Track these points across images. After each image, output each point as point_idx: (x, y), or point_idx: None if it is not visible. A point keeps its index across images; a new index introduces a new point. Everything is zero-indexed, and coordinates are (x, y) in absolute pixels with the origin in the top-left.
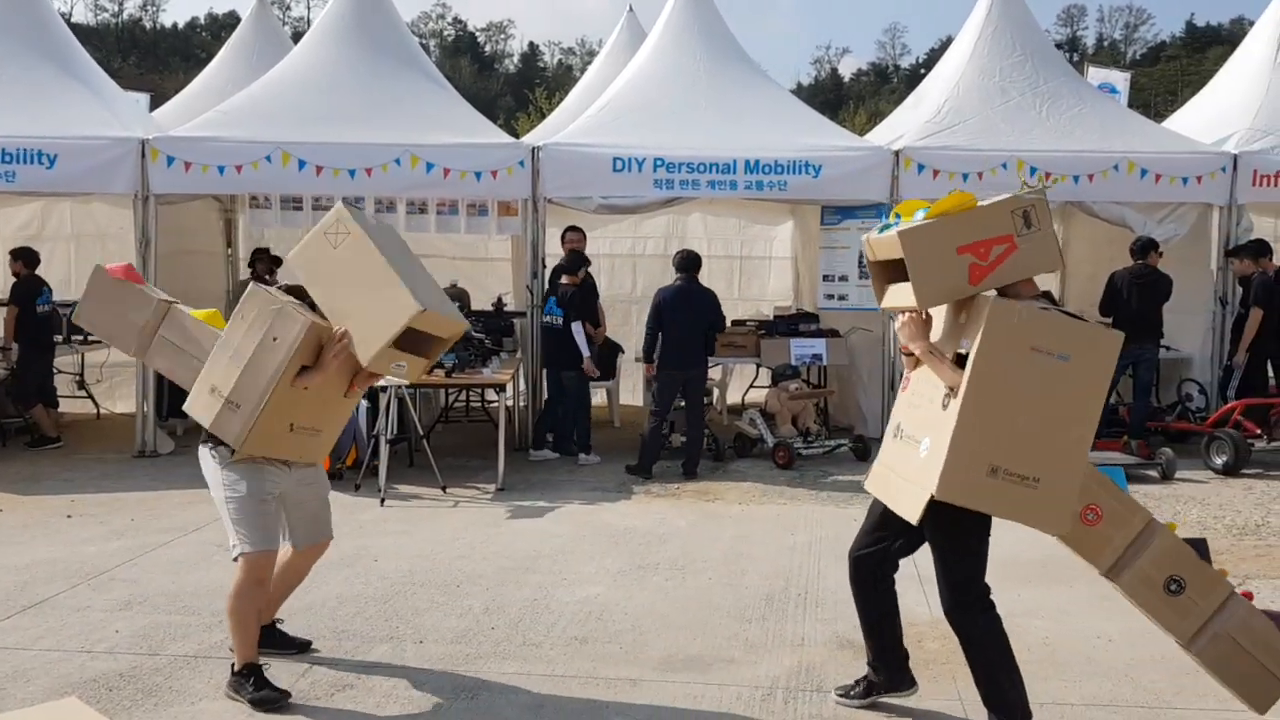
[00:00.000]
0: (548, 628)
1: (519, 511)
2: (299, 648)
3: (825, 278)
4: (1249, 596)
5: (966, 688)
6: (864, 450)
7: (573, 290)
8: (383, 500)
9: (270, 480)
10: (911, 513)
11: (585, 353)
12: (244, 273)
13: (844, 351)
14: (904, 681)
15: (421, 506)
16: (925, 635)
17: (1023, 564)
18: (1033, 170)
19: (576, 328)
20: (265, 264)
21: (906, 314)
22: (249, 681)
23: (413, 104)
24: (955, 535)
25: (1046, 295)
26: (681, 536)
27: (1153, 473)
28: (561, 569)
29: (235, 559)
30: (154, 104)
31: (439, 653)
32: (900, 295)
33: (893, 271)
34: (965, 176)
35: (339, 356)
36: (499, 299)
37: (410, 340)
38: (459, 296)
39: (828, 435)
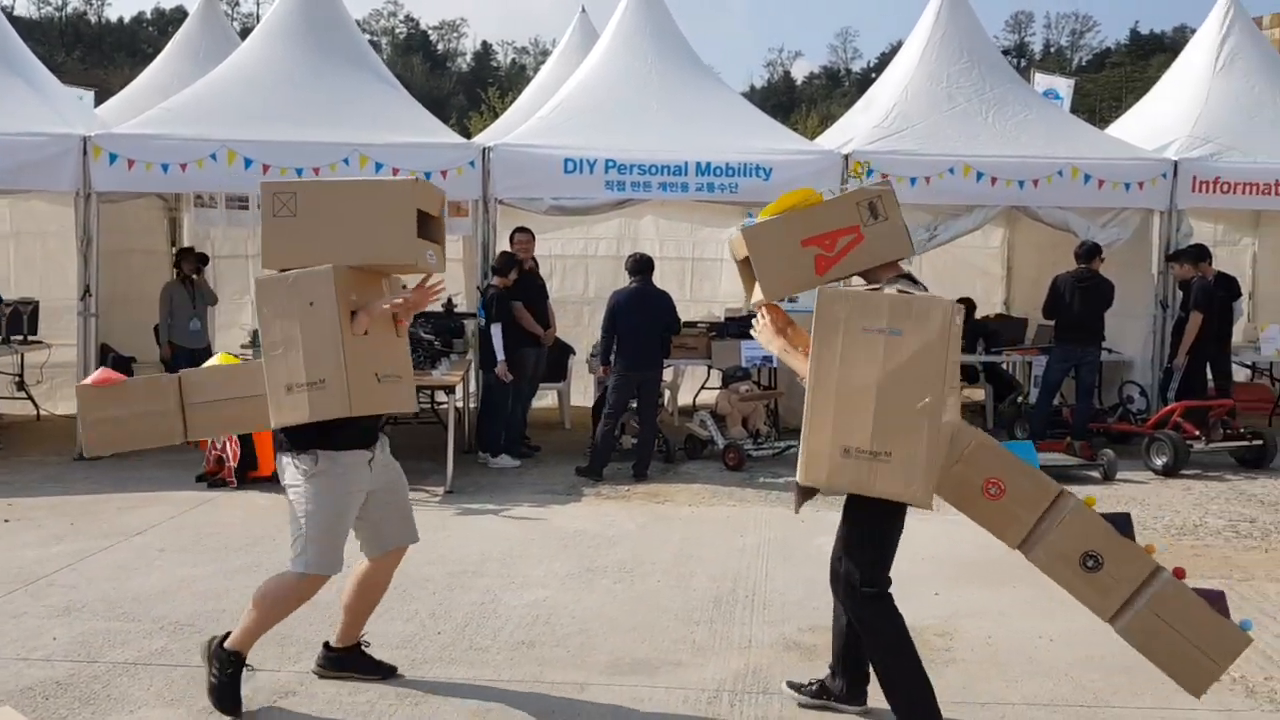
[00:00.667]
0: (494, 632)
1: (467, 514)
2: (384, 673)
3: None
4: (1180, 574)
5: None
6: None
7: (495, 292)
8: None
9: (357, 484)
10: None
11: (500, 356)
12: (173, 273)
13: None
14: (858, 697)
15: None
16: None
17: (966, 565)
18: (979, 175)
19: (495, 330)
20: (191, 263)
21: (762, 313)
22: (228, 667)
23: (362, 103)
24: (863, 520)
25: (907, 277)
26: (631, 539)
27: (1094, 473)
28: (509, 572)
29: (300, 572)
30: (99, 100)
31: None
32: (758, 291)
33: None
34: (913, 180)
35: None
36: (449, 300)
37: (421, 228)
38: None
39: (778, 437)
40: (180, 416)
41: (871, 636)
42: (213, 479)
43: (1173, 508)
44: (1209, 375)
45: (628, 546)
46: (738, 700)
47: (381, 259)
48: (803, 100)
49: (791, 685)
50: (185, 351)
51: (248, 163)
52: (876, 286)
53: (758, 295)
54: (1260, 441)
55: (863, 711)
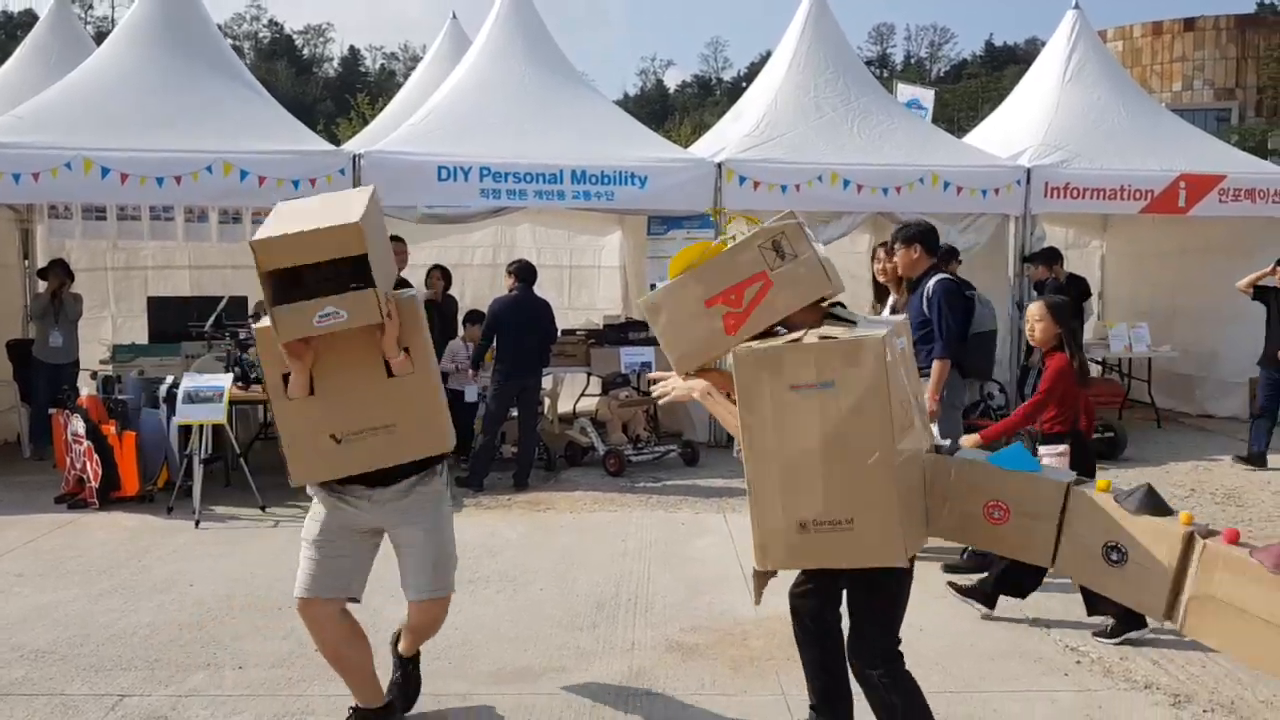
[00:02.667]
0: (375, 646)
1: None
2: None
3: (652, 286)
4: (1232, 538)
5: (790, 683)
6: (692, 455)
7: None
8: (197, 522)
9: (348, 516)
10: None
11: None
12: (40, 285)
13: None
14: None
15: (239, 527)
16: (750, 634)
17: None
18: (845, 183)
19: None
20: (59, 276)
21: (685, 381)
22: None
23: (226, 109)
24: (872, 592)
25: (831, 316)
26: (513, 548)
27: None
28: (387, 586)
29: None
30: None
31: (260, 678)
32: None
33: None
34: (784, 188)
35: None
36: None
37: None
38: None
39: (657, 441)
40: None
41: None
42: (73, 500)
43: None
44: None
45: (509, 556)
46: (622, 703)
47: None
48: (675, 108)
49: None
50: (47, 367)
51: (105, 172)
52: (798, 336)
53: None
54: (1111, 434)
55: None
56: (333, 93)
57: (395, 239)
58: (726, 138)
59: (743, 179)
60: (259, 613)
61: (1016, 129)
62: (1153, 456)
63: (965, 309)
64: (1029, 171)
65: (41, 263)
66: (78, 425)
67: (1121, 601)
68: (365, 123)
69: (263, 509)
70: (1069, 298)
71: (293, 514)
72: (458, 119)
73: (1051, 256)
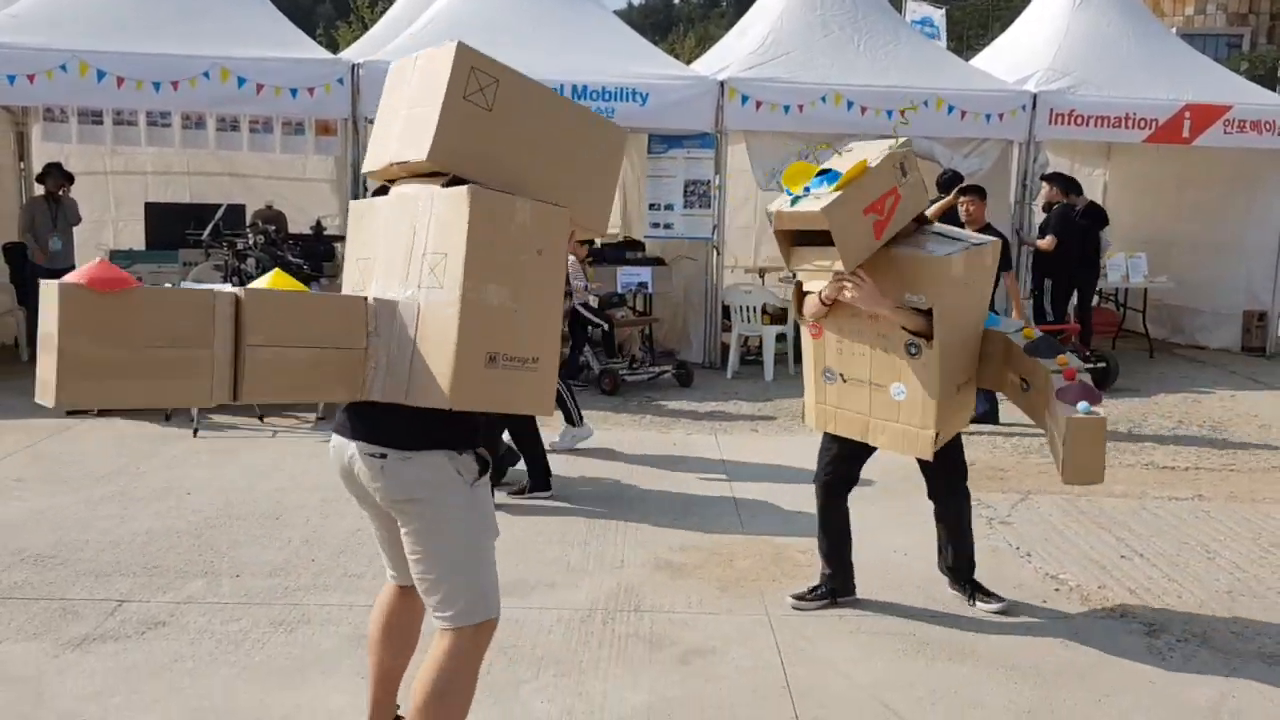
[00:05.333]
0: (370, 558)
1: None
2: None
3: (651, 206)
4: (1069, 375)
5: (774, 604)
6: (687, 376)
7: None
8: (195, 431)
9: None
10: (926, 451)
11: None
12: (37, 189)
13: (669, 279)
14: (851, 588)
15: (238, 437)
16: (737, 554)
17: None
18: (849, 104)
19: None
20: (56, 179)
21: (848, 281)
22: None
23: (223, 13)
24: (950, 451)
25: (927, 222)
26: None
27: None
28: None
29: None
30: None
31: (257, 586)
32: (815, 257)
33: (798, 237)
34: (786, 108)
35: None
36: (318, 222)
37: None
38: (274, 219)
39: (652, 362)
40: (231, 363)
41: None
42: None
43: (1021, 427)
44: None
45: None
46: (610, 618)
47: (580, 219)
48: (680, 19)
49: (795, 597)
50: (44, 272)
51: (101, 75)
52: (913, 237)
53: (808, 260)
54: (1104, 364)
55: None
56: None
57: None
58: (730, 55)
59: (745, 98)
60: (256, 522)
61: (1024, 53)
62: (1143, 387)
63: None
64: (1035, 97)
65: (37, 166)
66: None
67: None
68: (365, 28)
69: (261, 419)
70: (1077, 226)
71: (290, 424)
72: (457, 29)
73: (1070, 183)
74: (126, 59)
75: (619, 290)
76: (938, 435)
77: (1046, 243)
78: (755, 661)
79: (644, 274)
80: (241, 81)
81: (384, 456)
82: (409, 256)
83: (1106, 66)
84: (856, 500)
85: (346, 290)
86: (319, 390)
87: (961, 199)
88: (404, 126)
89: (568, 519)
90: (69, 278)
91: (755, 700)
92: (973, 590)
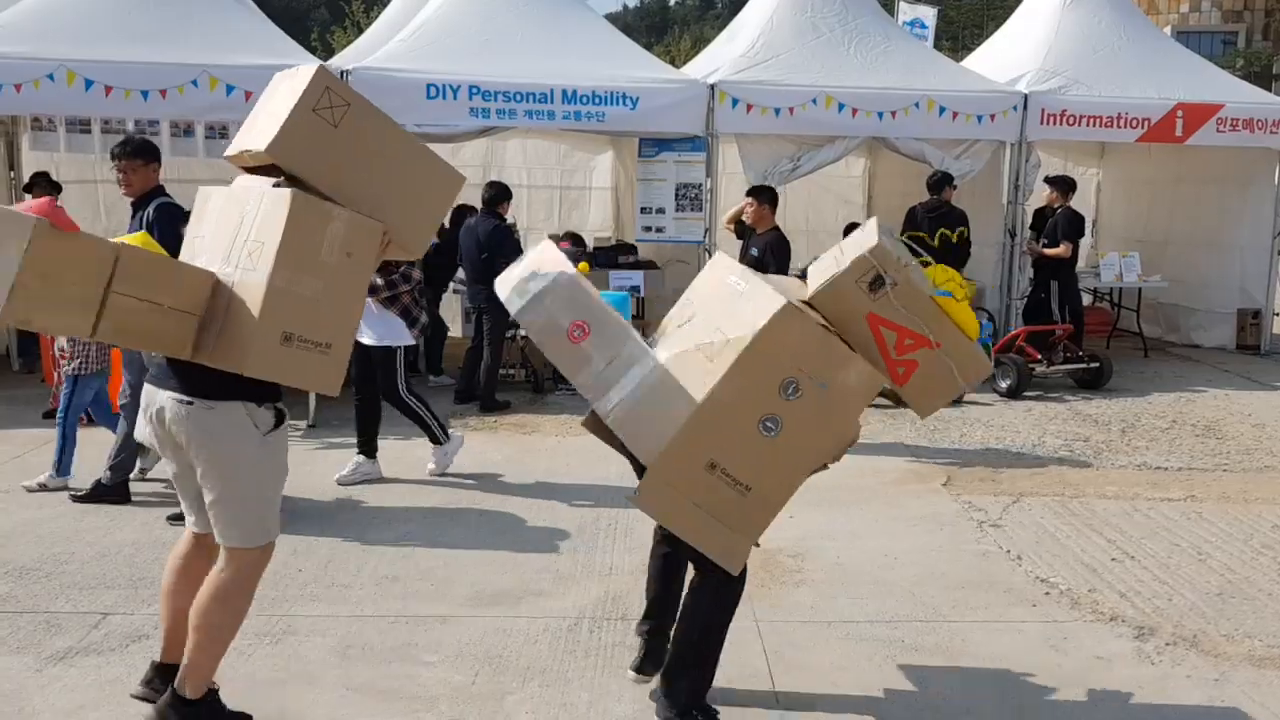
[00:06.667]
0: (358, 568)
1: (330, 449)
2: None
3: (643, 210)
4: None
5: (763, 610)
6: None
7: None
8: None
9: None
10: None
11: None
12: (24, 199)
13: (661, 283)
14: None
15: None
16: None
17: (824, 488)
18: (840, 106)
19: None
20: (43, 189)
21: None
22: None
23: (210, 20)
24: None
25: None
26: (497, 470)
27: None
28: (374, 507)
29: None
30: None
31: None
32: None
33: None
34: (777, 111)
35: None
36: None
37: None
38: None
39: None
40: (98, 305)
41: (717, 612)
42: None
43: (1014, 428)
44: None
45: (493, 478)
46: (596, 626)
47: (398, 238)
48: (675, 22)
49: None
50: None
51: (88, 84)
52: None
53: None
54: (1097, 364)
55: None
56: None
57: None
58: (721, 58)
59: (735, 101)
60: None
61: (1016, 53)
62: (1136, 387)
63: None
64: (1026, 97)
65: (27, 176)
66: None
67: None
68: (360, 32)
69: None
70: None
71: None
72: (447, 36)
73: (1069, 185)
74: (114, 67)
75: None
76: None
77: (1062, 250)
78: (743, 669)
79: (636, 277)
80: (230, 89)
81: (190, 404)
82: (234, 240)
83: (1098, 66)
84: (846, 504)
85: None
86: (156, 342)
87: (746, 199)
88: (259, 123)
89: (557, 525)
90: (34, 214)
91: (744, 710)
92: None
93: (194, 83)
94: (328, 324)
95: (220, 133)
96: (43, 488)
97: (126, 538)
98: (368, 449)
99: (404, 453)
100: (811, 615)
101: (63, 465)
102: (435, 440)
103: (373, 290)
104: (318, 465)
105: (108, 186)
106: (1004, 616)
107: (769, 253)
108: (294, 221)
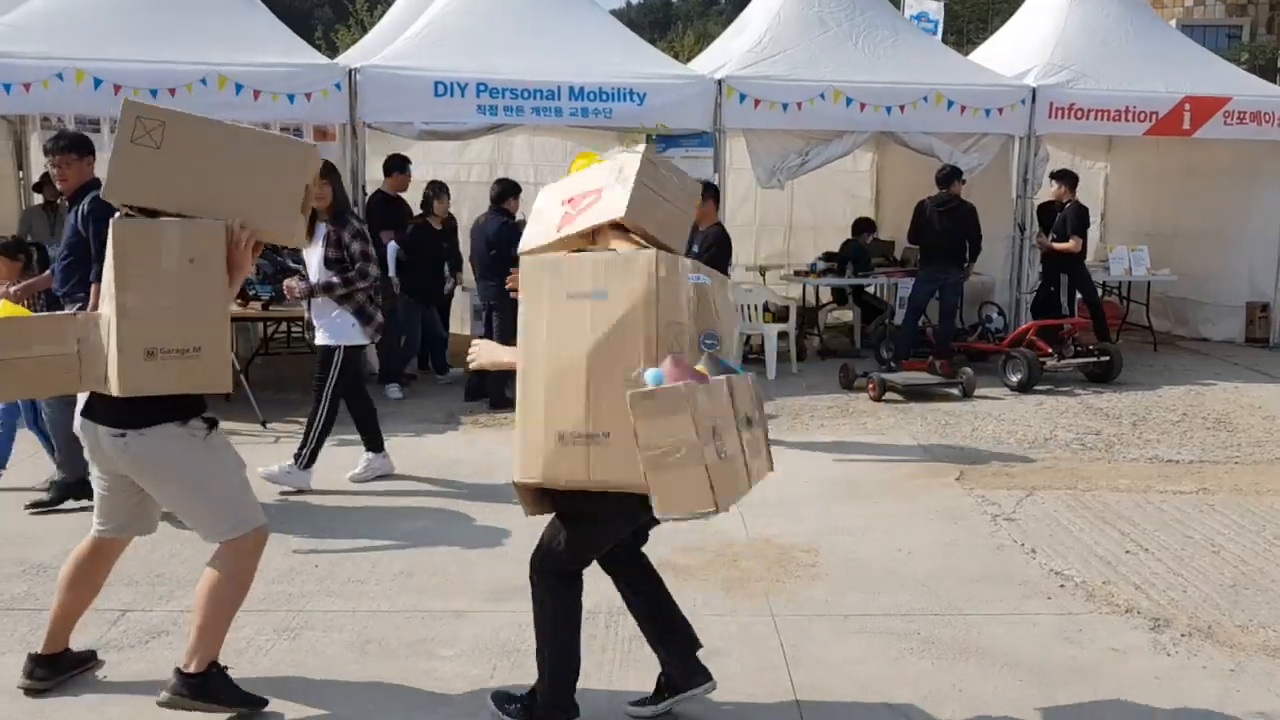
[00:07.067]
0: (372, 564)
1: (342, 445)
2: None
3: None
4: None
5: (779, 603)
6: None
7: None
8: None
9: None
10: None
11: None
12: (36, 198)
13: None
14: (699, 673)
15: (240, 443)
16: (741, 555)
17: (839, 483)
18: (848, 101)
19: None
20: (53, 188)
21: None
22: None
23: (218, 19)
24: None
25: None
26: (506, 466)
27: (955, 390)
28: (387, 502)
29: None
30: None
31: (259, 593)
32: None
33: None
34: (785, 106)
35: (251, 249)
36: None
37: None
38: None
39: None
40: None
41: (543, 614)
42: None
43: (1025, 422)
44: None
45: (506, 474)
46: (613, 620)
47: (261, 227)
48: (679, 17)
49: (633, 706)
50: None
51: (97, 83)
52: (587, 249)
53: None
54: (1107, 358)
55: (711, 687)
56: None
57: (395, 157)
58: (728, 53)
59: (743, 96)
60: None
61: (1023, 46)
62: (1146, 380)
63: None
64: (1034, 91)
65: (35, 174)
66: None
67: None
68: (365, 30)
69: (263, 425)
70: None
71: (293, 430)
72: (455, 33)
73: (1075, 180)
74: (123, 66)
75: None
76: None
77: (1072, 245)
78: (761, 663)
79: None
80: (239, 88)
81: (123, 435)
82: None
83: (1106, 59)
84: (860, 498)
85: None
86: (50, 386)
87: None
88: None
89: None
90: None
91: (761, 702)
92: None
93: (203, 81)
94: (190, 329)
95: None
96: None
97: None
98: (373, 444)
99: (415, 449)
100: (826, 609)
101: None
102: (298, 455)
103: (328, 288)
104: (328, 462)
105: None
106: (1020, 609)
107: (714, 248)
108: (118, 246)
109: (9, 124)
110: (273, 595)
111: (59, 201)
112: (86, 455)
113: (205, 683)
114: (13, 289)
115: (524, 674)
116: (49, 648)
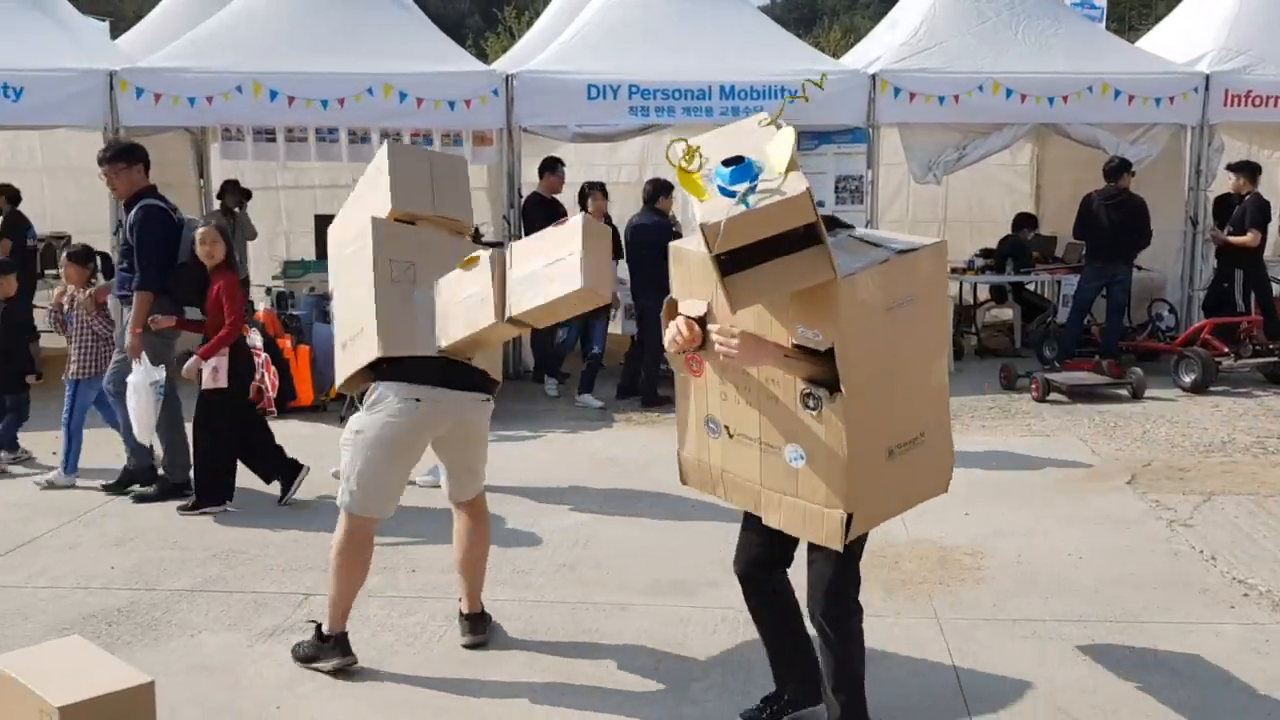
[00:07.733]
0: (535, 556)
1: (502, 440)
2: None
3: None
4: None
5: (943, 607)
6: None
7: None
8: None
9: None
10: (834, 539)
11: None
12: (214, 205)
13: None
14: (813, 695)
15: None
16: (902, 556)
17: (997, 484)
18: (1008, 93)
19: None
20: (235, 196)
21: (718, 338)
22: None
23: (382, 31)
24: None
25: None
26: (662, 463)
27: (1123, 391)
28: (546, 497)
29: None
30: (114, 30)
31: (431, 581)
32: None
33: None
34: (941, 99)
35: None
36: (476, 230)
37: None
38: None
39: None
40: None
41: (854, 645)
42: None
43: (1201, 425)
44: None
45: (660, 470)
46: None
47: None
48: (824, 12)
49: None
50: None
51: (273, 94)
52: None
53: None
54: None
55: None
56: (480, 6)
57: (550, 162)
58: (881, 47)
59: (898, 90)
60: (426, 519)
61: (1195, 32)
62: None
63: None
64: (1207, 78)
65: (216, 183)
66: (255, 338)
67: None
68: (514, 38)
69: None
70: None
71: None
72: (606, 36)
73: (1255, 170)
74: (296, 79)
75: None
76: (850, 518)
77: (1250, 239)
78: (926, 665)
79: None
80: (403, 96)
81: (487, 400)
82: None
83: None
84: (1015, 501)
85: None
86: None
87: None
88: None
89: (722, 516)
90: None
91: (928, 704)
92: None
93: (370, 91)
94: None
95: (395, 138)
96: (51, 485)
97: (322, 522)
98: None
99: (571, 445)
100: (994, 613)
101: (69, 465)
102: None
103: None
104: (489, 456)
105: (288, 192)
106: (1200, 618)
107: None
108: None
109: (191, 135)
110: (445, 583)
111: (237, 209)
112: (420, 432)
113: (321, 645)
114: (84, 294)
115: (690, 667)
116: (472, 608)
